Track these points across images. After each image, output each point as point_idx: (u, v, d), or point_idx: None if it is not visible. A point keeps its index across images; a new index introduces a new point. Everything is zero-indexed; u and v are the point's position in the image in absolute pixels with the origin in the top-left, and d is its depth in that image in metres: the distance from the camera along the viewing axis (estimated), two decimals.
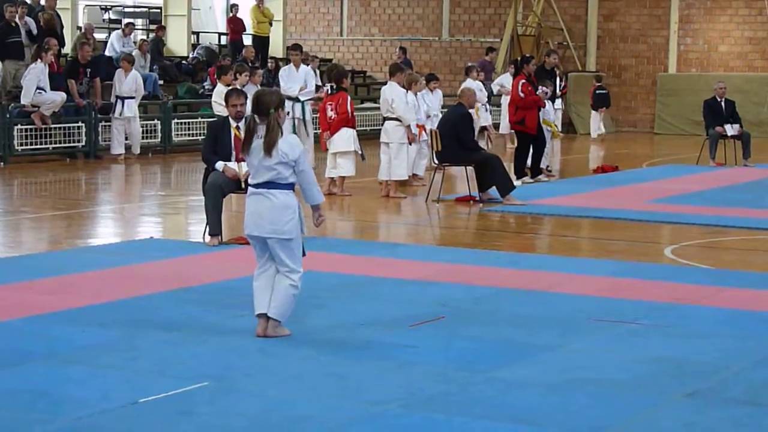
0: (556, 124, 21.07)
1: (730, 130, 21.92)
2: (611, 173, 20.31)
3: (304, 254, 7.80)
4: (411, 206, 15.90)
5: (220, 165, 11.70)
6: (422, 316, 8.52)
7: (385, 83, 17.85)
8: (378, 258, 11.25)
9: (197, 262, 10.79)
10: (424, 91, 19.12)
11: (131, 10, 31.70)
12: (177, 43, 29.16)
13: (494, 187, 15.88)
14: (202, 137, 17.01)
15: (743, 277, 10.45)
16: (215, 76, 19.79)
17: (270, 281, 7.75)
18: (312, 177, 7.86)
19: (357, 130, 16.81)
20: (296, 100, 19.32)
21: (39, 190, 17.81)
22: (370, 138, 22.50)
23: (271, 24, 29.55)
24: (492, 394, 6.55)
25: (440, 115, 18.21)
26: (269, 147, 7.59)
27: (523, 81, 18.27)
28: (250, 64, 22.94)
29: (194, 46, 29.52)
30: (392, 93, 16.79)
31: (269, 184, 7.69)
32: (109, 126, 22.05)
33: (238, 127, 11.75)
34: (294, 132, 19.05)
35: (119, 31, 26.52)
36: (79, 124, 21.60)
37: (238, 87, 14.61)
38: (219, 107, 16.83)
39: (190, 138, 23.43)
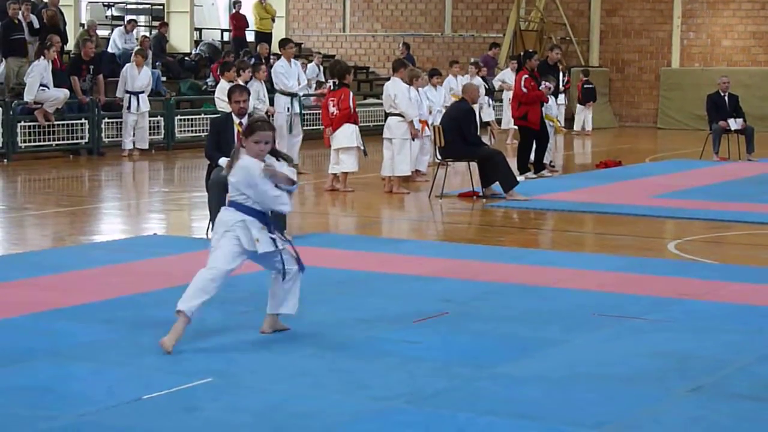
0: (559, 120, 21.05)
1: (734, 124, 21.91)
2: (614, 168, 20.30)
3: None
4: (414, 202, 15.89)
5: (223, 161, 11.68)
6: (426, 312, 8.52)
7: (388, 79, 17.85)
8: (381, 254, 11.25)
9: (201, 258, 10.76)
10: (427, 86, 19.13)
11: (134, 6, 31.71)
12: (180, 40, 29.17)
13: (497, 183, 15.88)
14: (205, 134, 17.01)
15: (747, 272, 10.43)
16: (218, 73, 19.80)
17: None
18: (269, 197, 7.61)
19: (359, 126, 16.81)
20: (294, 95, 19.31)
21: (42, 187, 17.82)
22: (372, 134, 22.50)
23: (273, 20, 29.55)
24: (496, 390, 6.55)
25: (443, 111, 18.21)
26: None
27: (526, 76, 18.26)
28: (263, 61, 22.95)
29: (197, 43, 29.54)
30: (395, 89, 16.79)
31: None
32: (112, 123, 22.08)
33: (241, 124, 11.75)
34: (289, 127, 19.04)
35: (121, 28, 26.53)
36: (82, 120, 21.62)
37: (241, 83, 14.64)
38: (222, 103, 16.86)
39: (193, 134, 23.46)
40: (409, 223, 14.39)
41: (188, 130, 23.57)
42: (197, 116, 23.73)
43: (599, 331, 8.03)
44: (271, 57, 25.66)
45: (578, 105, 30.33)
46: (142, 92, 22.03)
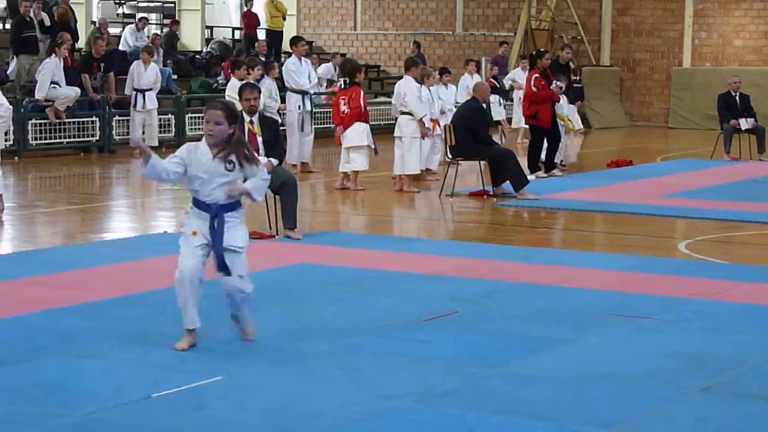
0: (570, 119, 21.02)
1: (745, 124, 21.87)
2: (625, 168, 20.27)
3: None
4: (424, 201, 15.88)
5: None
6: (436, 311, 8.51)
7: (399, 78, 17.84)
8: (391, 253, 11.24)
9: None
10: (439, 85, 19.12)
11: (145, 4, 31.70)
12: (191, 38, 29.19)
13: (508, 182, 15.87)
14: None
15: (758, 272, 10.41)
16: (229, 71, 19.80)
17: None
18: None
19: (370, 125, 16.80)
20: (305, 93, 19.29)
21: (53, 185, 17.84)
22: (383, 132, 22.49)
23: (284, 18, 29.54)
24: (506, 389, 6.54)
25: (454, 110, 18.19)
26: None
27: (536, 75, 18.25)
28: (263, 59, 22.96)
29: (208, 41, 29.56)
30: (405, 87, 16.78)
31: None
32: (123, 120, 22.09)
33: (251, 122, 11.75)
34: (301, 126, 19.02)
35: (133, 26, 26.55)
36: (93, 118, 21.65)
37: (252, 81, 14.64)
38: (232, 102, 16.86)
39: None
40: (419, 221, 14.38)
41: (199, 128, 23.54)
42: None
43: (610, 331, 8.01)
44: (282, 55, 25.73)
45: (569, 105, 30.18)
46: (150, 90, 21.96)
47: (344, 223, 14.46)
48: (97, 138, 21.74)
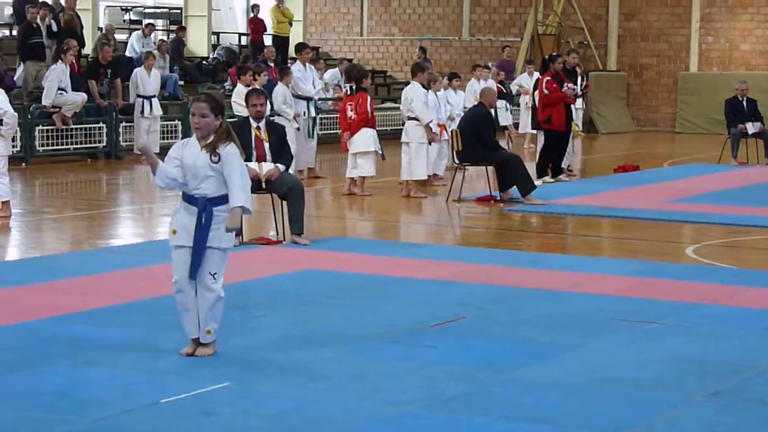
0: (577, 124, 21.00)
1: (752, 128, 21.86)
2: (632, 173, 20.25)
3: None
4: (431, 206, 15.88)
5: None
6: (443, 317, 8.50)
7: (406, 83, 17.85)
8: (398, 258, 11.24)
9: None
10: (448, 90, 19.11)
11: (152, 10, 31.76)
12: (197, 44, 29.20)
13: (515, 187, 15.86)
14: None
15: (766, 277, 10.40)
16: (236, 77, 19.81)
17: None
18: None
19: (377, 130, 16.80)
20: (310, 99, 19.29)
21: (60, 191, 17.85)
22: (390, 138, 22.49)
23: (291, 24, 29.56)
24: (513, 395, 6.53)
25: (462, 115, 18.19)
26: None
27: (548, 78, 18.26)
28: (272, 65, 22.96)
29: (214, 47, 29.57)
30: (412, 93, 16.78)
31: None
32: (130, 126, 22.08)
33: (258, 128, 11.76)
34: (308, 132, 19.02)
35: (139, 32, 26.56)
36: (100, 124, 21.67)
37: (258, 87, 14.64)
38: (239, 107, 16.87)
39: None
40: (426, 227, 14.38)
41: None
42: None
43: (617, 336, 8.00)
44: (289, 61, 25.64)
45: None
46: (154, 96, 21.95)
47: (351, 228, 14.46)
48: (104, 144, 21.76)
